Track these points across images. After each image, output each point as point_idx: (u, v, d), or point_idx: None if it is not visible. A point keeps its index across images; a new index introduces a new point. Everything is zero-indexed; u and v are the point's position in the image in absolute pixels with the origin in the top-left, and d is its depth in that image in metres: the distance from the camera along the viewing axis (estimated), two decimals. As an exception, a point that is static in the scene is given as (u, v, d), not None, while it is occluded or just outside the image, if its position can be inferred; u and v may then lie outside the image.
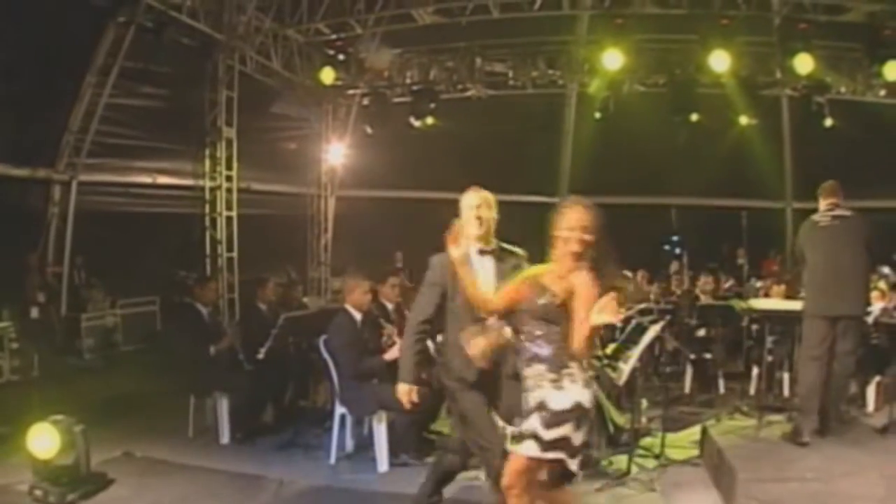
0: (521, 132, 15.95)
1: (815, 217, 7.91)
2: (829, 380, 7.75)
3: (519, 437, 4.77)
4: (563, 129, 17.46)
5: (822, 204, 7.96)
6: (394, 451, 7.53)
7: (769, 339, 9.91)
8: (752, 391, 10.18)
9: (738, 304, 9.38)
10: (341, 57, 13.84)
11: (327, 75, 13.70)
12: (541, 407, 4.70)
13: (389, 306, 8.92)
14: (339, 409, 7.66)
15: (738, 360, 10.92)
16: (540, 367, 4.78)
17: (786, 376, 9.74)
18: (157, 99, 12.87)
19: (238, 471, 7.48)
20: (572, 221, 4.81)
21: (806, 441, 7.63)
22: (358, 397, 7.54)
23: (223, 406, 8.41)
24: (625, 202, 15.84)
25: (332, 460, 7.69)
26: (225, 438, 8.42)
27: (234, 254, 13.03)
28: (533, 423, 4.71)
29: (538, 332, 4.80)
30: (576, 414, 4.67)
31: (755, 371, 10.25)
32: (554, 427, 4.65)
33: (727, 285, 12.93)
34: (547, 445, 4.65)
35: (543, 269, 4.97)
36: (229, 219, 13.01)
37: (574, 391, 4.70)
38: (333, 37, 13.72)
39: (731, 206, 14.69)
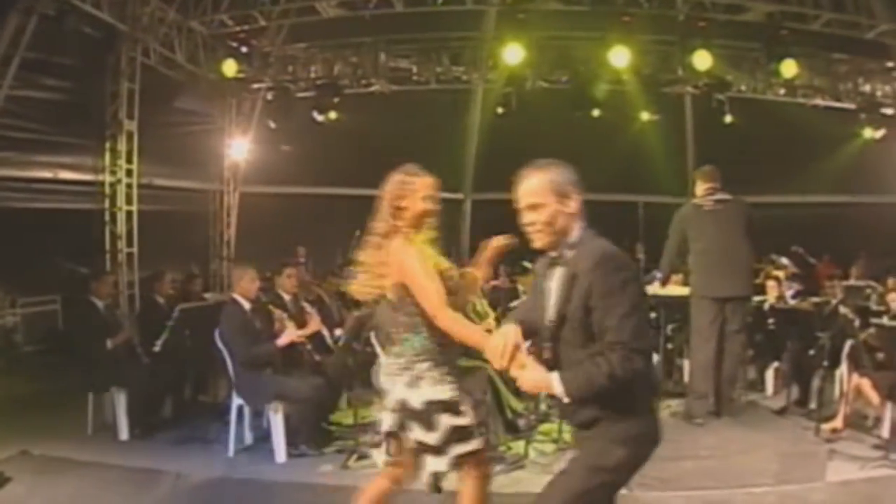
0: (426, 128, 15.96)
1: (697, 201, 8.17)
2: (721, 361, 7.98)
3: None
4: (467, 125, 17.62)
5: (701, 188, 8.19)
6: (292, 442, 7.52)
7: (668, 327, 10.16)
8: (652, 378, 10.38)
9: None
10: (244, 49, 13.76)
11: (230, 67, 13.54)
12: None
13: (286, 297, 8.89)
14: (236, 401, 7.64)
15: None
16: None
17: (686, 363, 9.96)
18: (59, 91, 12.54)
19: (135, 466, 7.42)
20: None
21: (700, 422, 7.85)
22: (253, 387, 7.54)
23: (121, 401, 8.30)
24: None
25: (231, 453, 7.66)
26: (123, 434, 8.31)
27: (135, 249, 12.82)
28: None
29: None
30: None
31: (655, 358, 10.47)
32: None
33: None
34: None
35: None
36: (129, 213, 12.80)
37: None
38: (237, 29, 13.63)
39: (633, 201, 14.95)
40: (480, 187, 17.97)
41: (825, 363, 9.01)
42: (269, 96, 15.34)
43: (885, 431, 7.87)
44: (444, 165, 18.19)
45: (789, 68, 13.03)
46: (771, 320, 10.10)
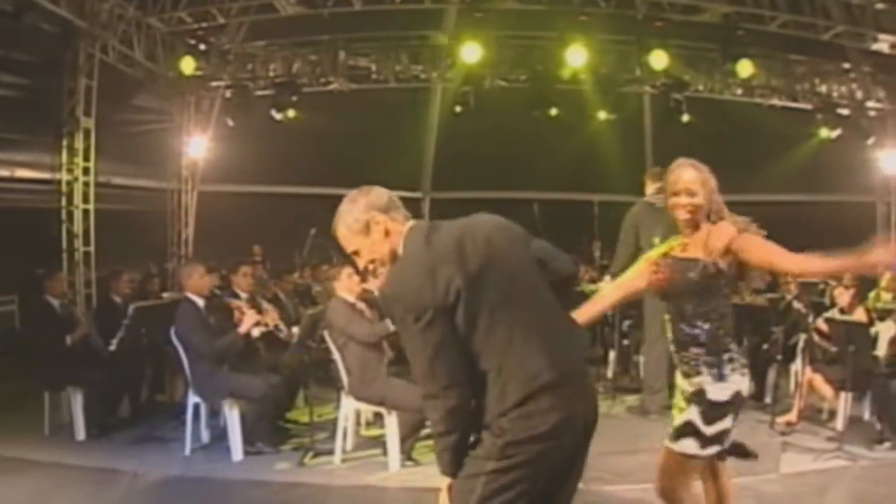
0: (385, 127, 15.99)
1: (649, 199, 8.22)
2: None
3: (677, 432, 4.35)
4: (426, 124, 17.65)
5: (651, 188, 8.24)
6: (248, 440, 7.53)
7: (624, 324, 10.26)
8: (609, 374, 10.48)
9: (589, 289, 9.64)
10: (203, 47, 13.68)
11: (187, 65, 13.46)
12: (699, 398, 4.30)
13: (243, 295, 8.88)
14: (192, 399, 7.64)
15: (596, 344, 11.26)
16: (697, 350, 4.35)
17: (641, 359, 10.05)
18: (16, 88, 12.41)
19: (92, 465, 7.40)
20: (675, 186, 4.47)
21: (655, 417, 7.94)
22: (209, 384, 7.53)
23: (77, 401, 8.25)
24: (488, 197, 16.14)
25: (187, 451, 7.66)
26: (80, 434, 8.26)
27: (92, 248, 12.67)
28: (691, 415, 4.31)
29: (691, 310, 4.34)
30: (736, 405, 4.29)
31: (612, 354, 10.58)
32: (714, 422, 4.26)
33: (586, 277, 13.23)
34: (706, 441, 4.28)
35: (671, 247, 4.60)
36: (86, 212, 12.65)
37: (734, 379, 4.28)
38: (196, 26, 13.55)
39: (591, 199, 15.05)
40: (439, 186, 18.03)
41: (779, 357, 9.19)
42: (228, 94, 15.23)
43: (838, 424, 8.05)
44: (403, 164, 18.31)
45: (745, 68, 13.22)
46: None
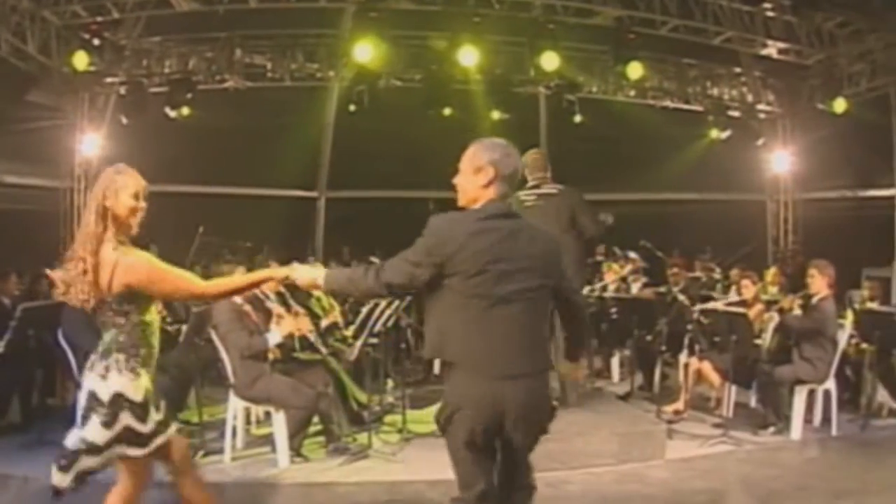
0: (281, 125, 15.92)
1: (521, 195, 7.84)
2: (558, 353, 8.15)
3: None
4: (322, 123, 17.61)
5: (529, 179, 8.02)
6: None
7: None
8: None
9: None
10: (96, 42, 13.39)
11: (80, 60, 13.07)
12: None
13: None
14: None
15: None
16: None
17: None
18: None
19: (-17, 472, 7.24)
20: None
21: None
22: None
23: (-32, 406, 8.11)
24: (384, 196, 16.32)
25: (78, 455, 7.56)
26: (-30, 441, 8.09)
27: (-20, 250, 12.41)
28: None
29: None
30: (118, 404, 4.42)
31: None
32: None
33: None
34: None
35: None
36: (-25, 213, 12.40)
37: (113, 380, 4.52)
38: (91, 20, 13.27)
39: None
40: (336, 185, 17.97)
41: (663, 348, 9.46)
42: (123, 91, 14.97)
43: (724, 410, 8.38)
44: (299, 163, 18.15)
45: (635, 71, 13.51)
46: (614, 309, 10.46)
